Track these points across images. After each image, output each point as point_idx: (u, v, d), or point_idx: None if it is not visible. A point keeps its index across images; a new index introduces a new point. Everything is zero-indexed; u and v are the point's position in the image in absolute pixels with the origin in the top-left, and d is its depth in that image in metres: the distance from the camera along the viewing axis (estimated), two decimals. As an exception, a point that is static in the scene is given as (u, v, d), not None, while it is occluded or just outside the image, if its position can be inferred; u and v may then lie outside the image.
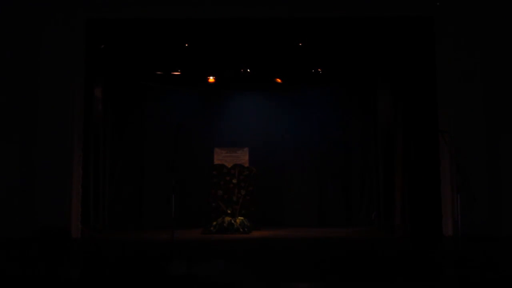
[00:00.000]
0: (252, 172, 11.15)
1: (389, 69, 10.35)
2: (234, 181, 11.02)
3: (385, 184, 10.55)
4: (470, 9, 8.81)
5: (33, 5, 8.79)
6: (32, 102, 8.75)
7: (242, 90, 12.66)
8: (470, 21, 8.80)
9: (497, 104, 8.69)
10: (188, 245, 8.62)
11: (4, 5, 8.77)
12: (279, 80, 12.11)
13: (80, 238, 8.73)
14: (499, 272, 5.94)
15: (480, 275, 5.72)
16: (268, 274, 5.96)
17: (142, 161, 12.17)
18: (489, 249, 7.40)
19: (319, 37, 9.82)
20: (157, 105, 12.32)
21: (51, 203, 8.51)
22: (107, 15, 9.02)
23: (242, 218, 10.63)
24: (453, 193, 8.08)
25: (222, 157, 11.25)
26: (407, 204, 9.42)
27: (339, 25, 9.30)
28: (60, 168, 8.66)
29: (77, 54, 8.91)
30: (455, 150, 7.98)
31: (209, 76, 11.91)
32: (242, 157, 11.24)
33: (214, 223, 10.43)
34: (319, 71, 11.57)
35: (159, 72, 11.80)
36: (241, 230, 10.27)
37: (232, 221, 10.39)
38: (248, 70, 11.49)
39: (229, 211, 10.75)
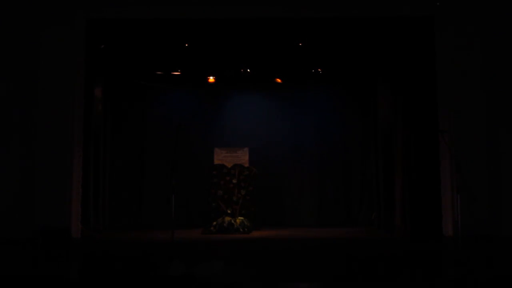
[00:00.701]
0: (252, 172, 11.15)
1: (389, 69, 10.35)
2: (234, 181, 11.02)
3: (385, 184, 10.55)
4: (470, 8, 8.80)
5: (34, 5, 8.79)
6: (32, 102, 8.74)
7: (242, 90, 12.66)
8: (470, 20, 8.80)
9: (497, 103, 8.69)
10: (188, 245, 8.62)
11: (5, 5, 8.77)
12: (279, 80, 12.10)
13: (80, 238, 8.73)
14: (499, 272, 5.94)
15: (480, 275, 5.73)
16: (268, 274, 5.96)
17: (142, 161, 12.19)
18: (489, 249, 7.41)
19: (319, 37, 9.82)
20: (157, 105, 12.33)
21: (51, 203, 8.51)
22: (107, 15, 9.02)
23: (242, 218, 10.63)
24: (453, 193, 8.08)
25: (222, 157, 11.24)
26: (407, 204, 9.42)
27: (339, 25, 9.30)
28: (60, 168, 8.66)
29: (77, 54, 8.90)
30: (455, 150, 7.98)
31: (209, 76, 11.91)
32: (242, 157, 11.23)
33: (214, 223, 10.43)
34: (319, 71, 11.57)
35: (159, 72, 11.80)
36: (241, 230, 10.27)
37: (232, 221, 10.39)
38: (248, 70, 11.49)
39: (229, 211, 10.75)
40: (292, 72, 11.72)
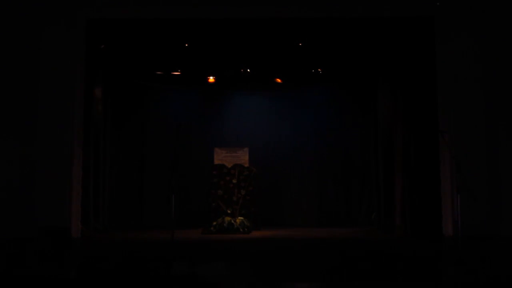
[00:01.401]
0: (252, 172, 11.15)
1: (390, 69, 10.35)
2: (234, 181, 11.01)
3: (385, 184, 10.55)
4: (471, 9, 8.80)
5: (34, 5, 8.79)
6: (32, 102, 8.74)
7: (242, 90, 12.67)
8: (470, 21, 8.79)
9: (497, 104, 8.69)
10: (188, 245, 8.62)
11: (5, 5, 8.77)
12: (279, 80, 12.11)
13: (80, 238, 8.73)
14: (499, 271, 5.94)
15: (480, 274, 5.73)
16: (268, 274, 5.96)
17: (142, 161, 12.19)
18: (489, 249, 7.40)
19: (319, 37, 9.83)
20: (157, 105, 12.33)
21: (51, 203, 8.51)
22: (107, 15, 9.03)
23: (242, 218, 10.62)
24: (453, 193, 8.07)
25: (222, 157, 11.24)
26: (407, 204, 9.42)
27: (339, 25, 9.31)
28: (60, 167, 8.66)
29: (77, 54, 8.91)
30: (455, 150, 7.98)
31: (209, 76, 11.91)
32: (242, 157, 11.23)
33: (214, 223, 10.43)
34: (319, 71, 11.57)
35: (159, 72, 11.80)
36: (241, 230, 10.27)
37: (232, 221, 10.39)
38: (248, 70, 11.50)
39: (229, 211, 10.75)
40: (292, 72, 11.73)
